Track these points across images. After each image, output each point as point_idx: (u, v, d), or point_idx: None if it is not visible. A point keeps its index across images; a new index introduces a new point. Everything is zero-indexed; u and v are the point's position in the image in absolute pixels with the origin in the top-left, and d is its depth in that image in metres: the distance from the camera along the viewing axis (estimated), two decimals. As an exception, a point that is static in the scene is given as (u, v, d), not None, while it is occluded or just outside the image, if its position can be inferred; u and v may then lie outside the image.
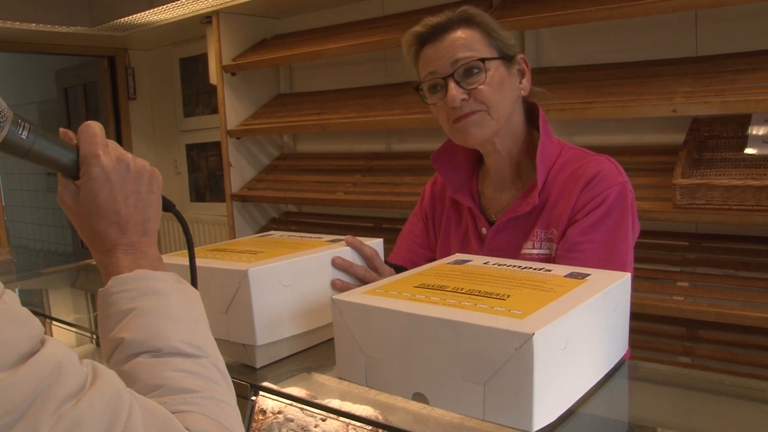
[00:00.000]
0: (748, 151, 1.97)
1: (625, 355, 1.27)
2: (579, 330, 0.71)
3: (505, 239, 1.22)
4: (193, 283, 0.80)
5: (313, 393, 1.01)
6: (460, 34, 1.15)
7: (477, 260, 0.94)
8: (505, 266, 0.90)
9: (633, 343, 2.17)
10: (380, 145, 3.10)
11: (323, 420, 0.96)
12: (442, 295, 0.76)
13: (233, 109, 3.31)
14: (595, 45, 2.37)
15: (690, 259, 2.16)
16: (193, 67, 4.08)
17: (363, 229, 3.01)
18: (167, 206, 0.79)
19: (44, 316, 1.61)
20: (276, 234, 1.19)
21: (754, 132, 2.02)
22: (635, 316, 2.16)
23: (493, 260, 0.94)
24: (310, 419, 0.98)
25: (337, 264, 0.99)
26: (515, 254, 1.20)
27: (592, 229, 1.11)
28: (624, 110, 2.04)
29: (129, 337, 0.62)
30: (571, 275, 0.83)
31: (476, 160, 1.34)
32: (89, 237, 0.71)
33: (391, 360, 0.75)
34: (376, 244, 1.08)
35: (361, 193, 2.78)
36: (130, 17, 3.37)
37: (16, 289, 1.91)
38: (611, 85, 2.19)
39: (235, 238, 3.36)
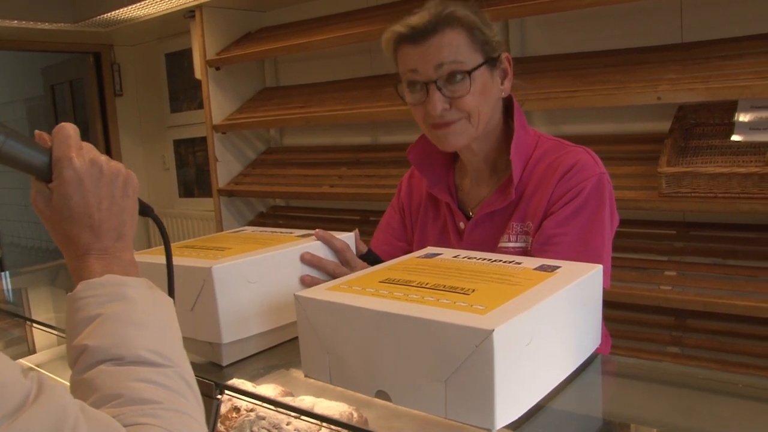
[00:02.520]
0: (735, 138, 1.95)
1: (605, 347, 1.25)
2: (545, 324, 0.69)
3: (483, 233, 1.20)
4: (170, 288, 0.78)
5: (289, 389, 0.99)
6: (445, 37, 1.09)
7: (447, 253, 0.92)
8: (475, 259, 0.87)
9: (620, 334, 2.17)
10: (367, 137, 3.08)
11: (296, 417, 0.94)
12: (406, 291, 0.74)
13: (218, 104, 3.28)
14: (580, 33, 2.35)
15: (677, 248, 2.14)
16: (179, 62, 4.05)
17: (350, 222, 2.98)
18: (145, 211, 0.77)
19: (23, 318, 1.59)
20: (249, 229, 1.16)
21: (740, 119, 2.00)
22: (623, 306, 2.16)
23: (463, 253, 0.92)
24: (283, 417, 0.96)
25: (306, 260, 0.97)
26: (493, 248, 1.18)
27: (567, 222, 1.09)
28: (609, 98, 2.01)
29: (93, 344, 0.60)
30: (541, 268, 0.81)
31: (453, 153, 1.32)
32: (62, 241, 0.68)
33: (354, 357, 0.73)
34: (347, 237, 1.05)
35: (346, 186, 2.75)
36: (113, 13, 3.33)
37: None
38: (596, 74, 2.17)
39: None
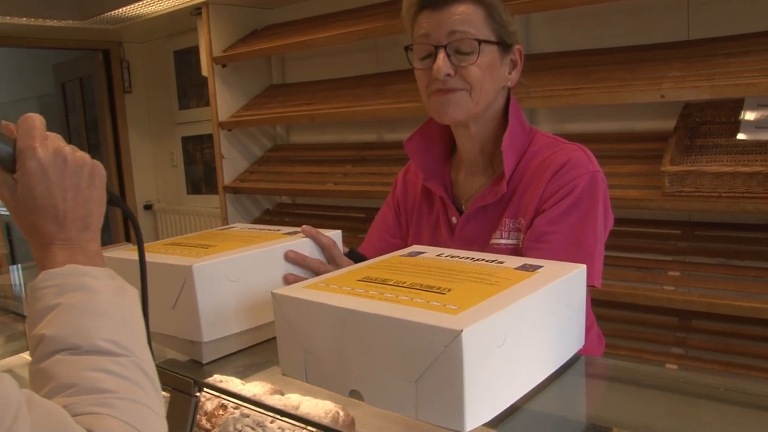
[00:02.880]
0: (740, 136, 1.92)
1: (598, 348, 1.24)
2: (520, 325, 0.68)
3: (474, 228, 1.19)
4: (143, 280, 0.78)
5: (278, 387, 0.99)
6: (463, 8, 1.10)
7: (431, 252, 0.91)
8: (457, 258, 0.86)
9: (623, 334, 2.15)
10: (372, 134, 3.07)
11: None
12: (381, 289, 0.73)
13: (224, 101, 3.29)
14: (585, 30, 2.32)
15: (681, 248, 2.11)
16: (187, 59, 4.06)
17: (355, 219, 2.98)
18: (114, 201, 0.76)
19: (20, 315, 1.59)
20: (238, 226, 1.16)
21: (746, 117, 1.97)
22: (626, 306, 2.14)
23: (447, 252, 0.90)
24: (267, 415, 0.95)
25: (290, 258, 0.96)
26: (485, 244, 1.17)
27: (559, 219, 1.08)
28: (612, 96, 1.99)
29: (50, 333, 0.60)
30: (523, 267, 0.79)
31: (450, 146, 1.30)
32: (27, 232, 0.68)
33: (328, 356, 0.72)
34: (334, 234, 1.04)
35: (351, 184, 2.75)
36: (121, 10, 3.35)
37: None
38: (600, 71, 2.14)
39: (228, 230, 3.35)
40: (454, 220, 1.22)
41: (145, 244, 1.02)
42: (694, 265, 2.05)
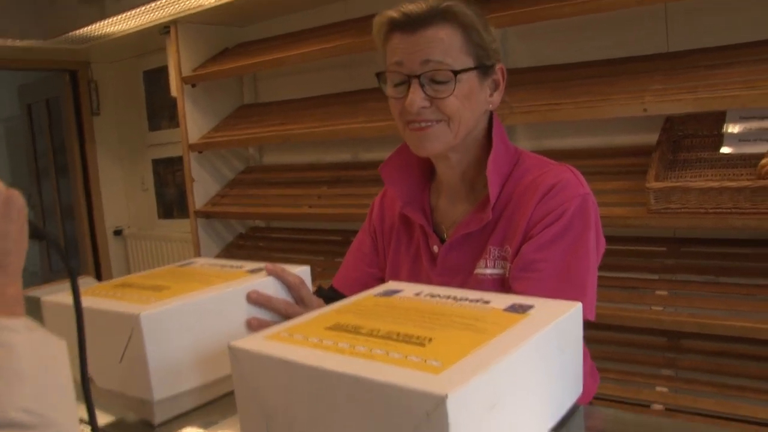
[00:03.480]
0: (725, 150, 1.87)
1: (592, 386, 1.15)
2: (513, 382, 0.59)
3: (457, 258, 1.10)
4: (80, 331, 0.68)
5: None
6: (438, 33, 1.01)
7: (408, 290, 0.82)
8: (438, 297, 0.77)
9: (612, 356, 2.06)
10: (347, 154, 2.98)
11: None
12: (353, 341, 0.64)
13: (195, 122, 3.18)
14: (562, 43, 2.27)
15: (668, 265, 2.05)
16: (157, 80, 3.95)
17: (332, 243, 2.88)
18: (38, 234, 0.66)
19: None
20: (198, 262, 1.06)
21: (729, 130, 1.92)
22: (613, 327, 2.06)
23: (426, 290, 0.82)
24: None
25: (253, 299, 0.87)
26: (469, 274, 1.08)
27: (548, 246, 0.99)
28: (593, 111, 1.93)
29: None
30: (512, 308, 0.71)
31: (429, 170, 1.22)
32: None
33: (292, 418, 0.63)
34: (302, 271, 0.95)
35: (326, 206, 2.65)
36: (87, 29, 3.24)
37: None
38: (579, 85, 2.08)
39: (200, 256, 3.23)
40: (435, 249, 1.13)
41: (93, 286, 0.92)
42: (682, 283, 1.98)
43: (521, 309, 0.70)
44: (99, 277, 4.41)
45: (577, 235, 1.00)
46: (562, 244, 1.00)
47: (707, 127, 1.99)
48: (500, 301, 0.74)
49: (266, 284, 0.90)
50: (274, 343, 0.66)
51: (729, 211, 1.72)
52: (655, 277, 2.04)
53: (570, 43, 2.25)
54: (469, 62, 1.03)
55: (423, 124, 1.04)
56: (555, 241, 0.99)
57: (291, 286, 0.92)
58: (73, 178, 4.36)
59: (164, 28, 3.17)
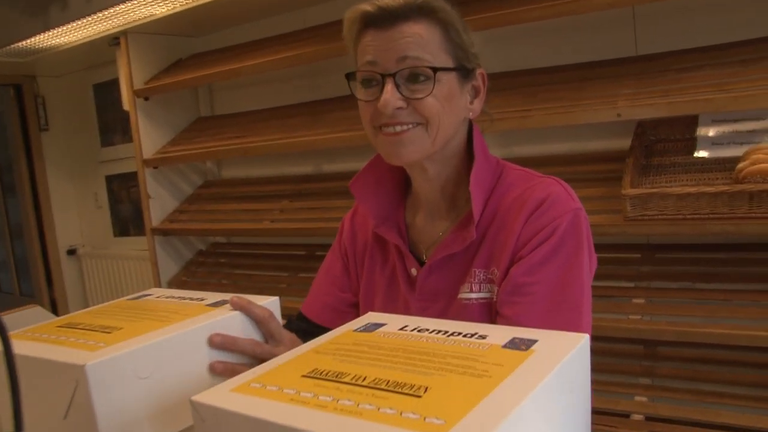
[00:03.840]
0: (700, 154, 1.83)
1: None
2: (525, 436, 0.51)
3: (439, 281, 1.02)
4: (12, 379, 0.57)
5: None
6: (416, 28, 0.93)
7: (392, 323, 0.73)
8: (426, 333, 0.69)
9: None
10: (309, 167, 2.88)
11: None
12: (335, 393, 0.55)
13: (149, 137, 3.05)
14: (531, 48, 2.21)
15: (644, 272, 2.00)
16: (109, 93, 3.80)
17: (296, 258, 2.78)
18: None
19: None
20: (155, 294, 0.96)
21: (702, 134, 1.89)
22: (591, 338, 2.01)
23: (413, 322, 0.73)
24: None
25: (216, 343, 0.76)
26: (451, 299, 1.00)
27: (539, 268, 0.91)
28: (565, 117, 1.87)
29: None
30: (513, 344, 0.63)
31: (404, 184, 1.13)
32: None
33: (269, 490, 0.53)
34: (270, 303, 0.85)
35: (288, 221, 2.55)
36: (29, 41, 3.08)
37: None
38: (549, 90, 2.03)
39: (158, 275, 3.09)
40: (413, 272, 1.04)
41: (33, 327, 0.82)
42: (659, 290, 1.94)
43: (523, 345, 0.62)
44: (53, 298, 4.22)
45: (570, 253, 0.93)
46: (555, 265, 0.92)
47: (679, 131, 1.96)
48: (498, 335, 0.66)
49: (231, 320, 0.80)
50: (243, 397, 0.57)
51: (707, 216, 1.68)
52: (631, 284, 1.99)
53: (539, 48, 2.20)
54: (449, 62, 0.95)
55: (398, 128, 0.95)
56: (546, 262, 0.92)
57: (259, 320, 0.82)
58: (21, 196, 4.16)
59: (114, 39, 3.04)
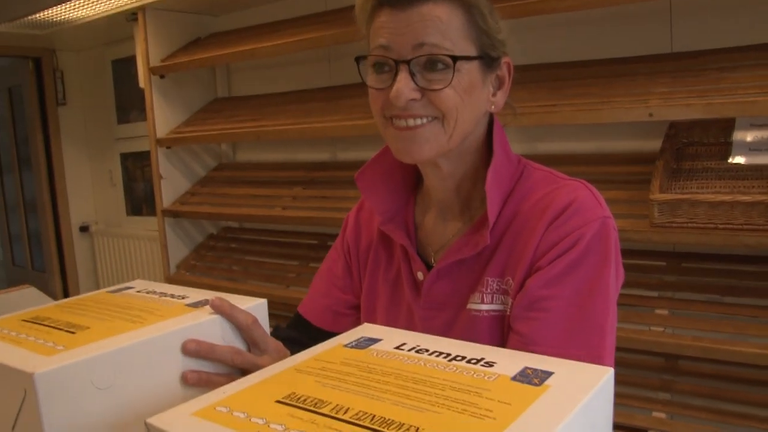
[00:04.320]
0: (736, 160, 1.72)
1: None
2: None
3: (446, 288, 0.92)
4: None
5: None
6: (436, 10, 0.83)
7: (388, 340, 0.65)
8: (426, 354, 0.60)
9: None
10: (324, 153, 2.80)
11: None
12: (310, 427, 0.47)
13: (163, 116, 2.98)
14: (559, 41, 2.10)
15: (668, 282, 1.90)
16: (127, 70, 3.73)
17: (306, 246, 2.70)
18: None
19: None
20: (136, 288, 0.88)
21: (738, 138, 1.77)
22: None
23: (411, 340, 0.64)
24: None
25: (191, 350, 0.68)
26: (460, 309, 0.91)
27: (559, 281, 0.82)
28: (593, 114, 1.77)
29: None
30: (524, 376, 0.54)
31: (414, 179, 1.03)
32: None
33: None
34: (256, 307, 0.76)
35: (300, 209, 2.47)
36: (48, 13, 3.02)
37: None
38: (577, 86, 1.92)
39: (167, 257, 3.03)
40: (420, 276, 0.95)
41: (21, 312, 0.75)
42: (684, 302, 1.84)
43: (536, 378, 0.53)
44: (64, 275, 4.20)
45: (595, 267, 0.83)
46: (576, 278, 0.82)
47: (713, 135, 1.84)
48: (507, 363, 0.57)
49: (210, 325, 0.72)
50: (204, 424, 0.49)
51: (740, 227, 1.57)
52: (654, 294, 1.89)
53: (566, 41, 2.09)
54: (471, 50, 0.85)
55: (411, 122, 0.85)
56: (567, 275, 0.82)
57: (241, 327, 0.73)
58: (37, 171, 4.13)
59: (132, 14, 2.97)
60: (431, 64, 0.83)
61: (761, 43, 1.79)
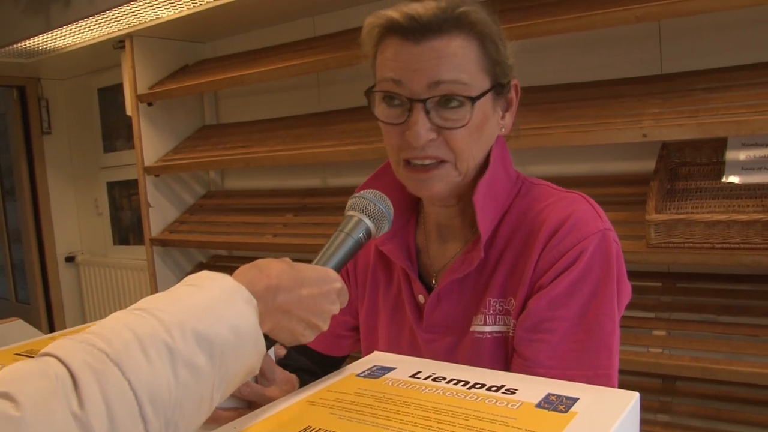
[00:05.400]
0: (730, 179, 1.72)
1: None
2: None
3: (448, 310, 0.90)
4: None
5: None
6: (452, 44, 0.80)
7: (402, 369, 0.63)
8: (443, 382, 0.58)
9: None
10: (314, 180, 2.79)
11: None
12: (332, 464, 0.44)
13: (151, 144, 2.96)
14: (550, 63, 2.11)
15: (665, 302, 1.89)
16: (113, 98, 3.71)
17: (298, 274, 2.67)
18: None
19: None
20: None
21: (731, 158, 1.78)
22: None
23: (426, 367, 0.62)
24: None
25: None
26: (463, 332, 0.89)
27: (563, 301, 0.80)
28: (587, 136, 1.77)
29: None
30: (548, 403, 0.52)
31: (415, 199, 1.02)
32: None
33: None
34: (263, 336, 0.74)
35: (291, 236, 2.45)
36: (32, 42, 3.00)
37: None
38: (570, 108, 1.93)
39: (156, 287, 2.99)
40: (421, 299, 0.93)
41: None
42: (680, 322, 1.83)
43: (561, 405, 0.51)
44: (49, 307, 4.12)
45: (598, 283, 0.81)
46: (580, 298, 0.80)
47: (706, 155, 1.85)
48: (529, 389, 0.55)
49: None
50: (218, 463, 0.46)
51: (737, 246, 1.57)
52: (651, 315, 1.88)
53: (556, 64, 2.10)
54: (486, 82, 0.83)
55: (427, 162, 0.83)
56: (571, 294, 0.80)
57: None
58: (21, 200, 4.08)
59: (118, 42, 2.96)
60: (446, 101, 0.82)
61: (749, 63, 1.80)
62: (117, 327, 0.47)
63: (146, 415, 0.43)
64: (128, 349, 0.45)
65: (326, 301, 0.65)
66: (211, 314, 0.50)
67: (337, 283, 0.70)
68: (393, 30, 0.83)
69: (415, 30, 0.81)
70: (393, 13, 0.82)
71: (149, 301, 0.51)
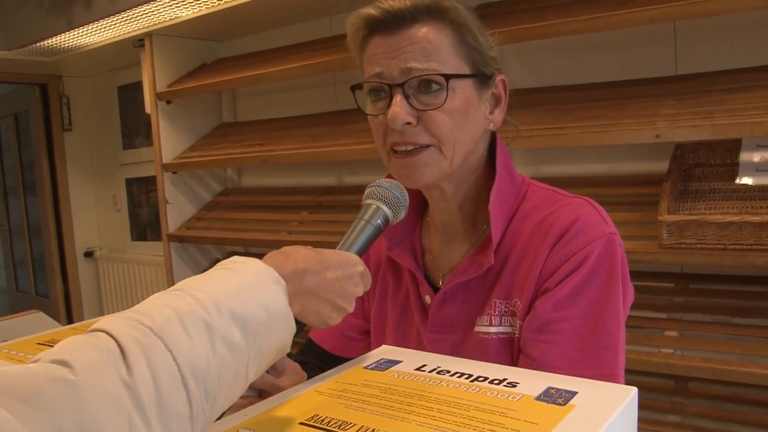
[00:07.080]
0: (743, 180, 1.72)
1: None
2: None
3: (453, 311, 0.92)
4: None
5: None
6: (424, 31, 0.84)
7: (408, 361, 0.65)
8: (447, 375, 0.60)
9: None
10: (330, 178, 2.81)
11: None
12: (337, 449, 0.46)
13: (169, 141, 3.00)
14: (565, 64, 2.12)
15: (677, 303, 1.89)
16: (132, 96, 3.77)
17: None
18: None
19: None
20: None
21: (745, 159, 1.78)
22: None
23: (432, 361, 0.64)
24: None
25: None
26: (467, 331, 0.90)
27: (569, 302, 0.81)
28: (601, 136, 1.77)
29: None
30: (548, 396, 0.54)
31: (421, 205, 1.04)
32: None
33: None
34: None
35: (306, 233, 2.47)
36: (54, 40, 3.05)
37: None
38: (584, 109, 1.93)
39: (173, 282, 3.03)
40: (428, 299, 0.95)
41: None
42: (693, 323, 1.83)
43: (560, 398, 0.53)
44: (68, 301, 4.19)
45: (603, 285, 0.83)
46: (586, 299, 0.82)
47: (719, 156, 1.84)
48: (530, 383, 0.57)
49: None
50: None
51: (750, 247, 1.57)
52: (663, 316, 1.88)
53: (574, 64, 2.10)
54: (464, 68, 0.85)
55: (411, 148, 0.86)
56: (576, 296, 0.82)
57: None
58: (41, 196, 4.15)
59: (138, 41, 3.00)
60: (425, 85, 0.84)
61: (765, 65, 1.80)
62: (158, 305, 0.51)
63: (188, 385, 0.47)
64: (169, 325, 0.49)
65: (350, 284, 0.68)
66: (244, 294, 0.54)
67: (360, 266, 0.72)
68: (373, 26, 0.87)
69: (391, 21, 0.85)
70: (371, 10, 0.86)
71: (186, 283, 0.55)
